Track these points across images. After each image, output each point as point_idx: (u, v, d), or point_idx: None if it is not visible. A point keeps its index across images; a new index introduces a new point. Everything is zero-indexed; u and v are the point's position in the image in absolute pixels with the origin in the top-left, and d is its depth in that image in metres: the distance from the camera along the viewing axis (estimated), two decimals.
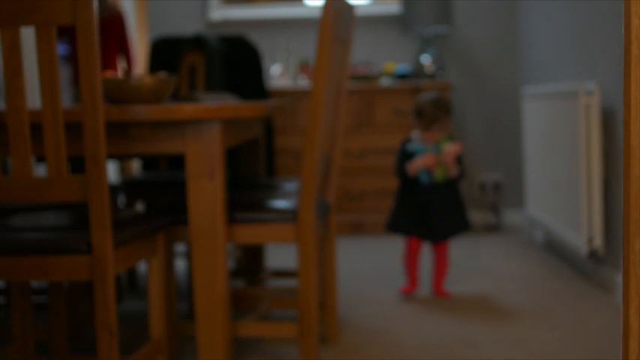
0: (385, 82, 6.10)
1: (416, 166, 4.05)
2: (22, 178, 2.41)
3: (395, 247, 5.48)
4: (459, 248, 5.30)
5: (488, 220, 6.25)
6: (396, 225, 4.18)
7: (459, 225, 4.19)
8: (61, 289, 3.02)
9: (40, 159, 3.27)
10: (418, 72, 6.16)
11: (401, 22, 6.41)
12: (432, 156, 4.05)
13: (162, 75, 2.83)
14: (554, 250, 5.13)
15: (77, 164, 2.48)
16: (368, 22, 6.46)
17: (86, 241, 2.41)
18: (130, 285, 4.41)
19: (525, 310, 3.82)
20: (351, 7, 3.26)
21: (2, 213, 3.08)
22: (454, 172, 4.09)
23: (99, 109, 2.34)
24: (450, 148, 4.02)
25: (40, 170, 4.38)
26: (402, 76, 6.10)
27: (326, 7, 2.86)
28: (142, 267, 4.83)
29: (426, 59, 6.18)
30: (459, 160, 4.11)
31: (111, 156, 2.62)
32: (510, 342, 3.37)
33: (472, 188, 6.44)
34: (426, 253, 4.95)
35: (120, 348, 2.49)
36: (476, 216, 6.37)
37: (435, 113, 4.06)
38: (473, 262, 4.95)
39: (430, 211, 4.11)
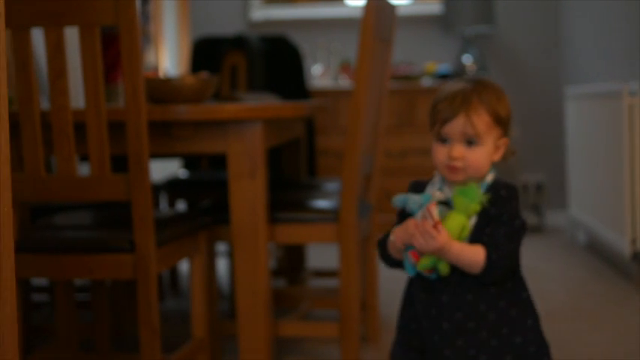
0: (426, 82, 6.08)
1: (393, 245, 1.98)
2: (66, 177, 2.44)
3: None
4: None
5: (530, 221, 6.21)
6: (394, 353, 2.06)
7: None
8: (104, 287, 3.04)
9: (84, 158, 3.29)
10: (459, 72, 6.13)
11: (442, 22, 6.39)
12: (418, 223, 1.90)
13: (204, 75, 2.84)
14: (597, 251, 5.08)
15: (120, 163, 2.50)
16: (409, 22, 6.44)
17: (129, 239, 2.43)
18: (172, 284, 4.43)
19: (566, 312, 3.79)
20: (392, 7, 3.25)
21: (45, 211, 3.11)
22: (461, 259, 1.87)
23: (142, 109, 2.36)
24: (427, 217, 1.88)
25: (84, 169, 4.41)
26: (444, 76, 6.08)
27: (367, 7, 2.86)
28: (183, 266, 4.85)
29: (467, 59, 6.16)
30: (489, 227, 1.88)
31: (153, 155, 2.63)
32: (550, 343, 3.34)
33: None
34: None
35: (162, 346, 2.50)
36: None
37: (451, 108, 1.91)
38: None
39: (441, 333, 1.93)
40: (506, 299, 1.92)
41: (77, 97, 2.84)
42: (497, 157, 1.94)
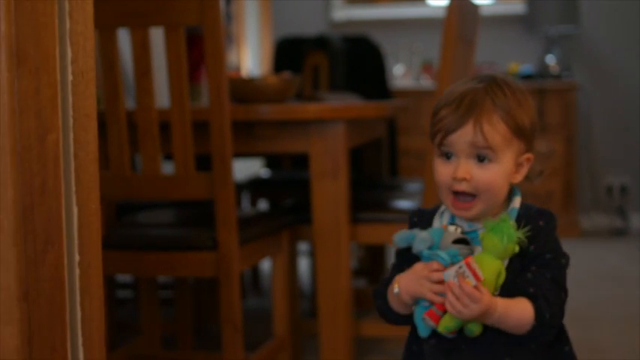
0: None
1: (397, 299, 1.52)
2: (151, 176, 2.47)
3: None
4: (584, 252, 5.19)
5: (614, 223, 6.12)
6: None
7: None
8: (187, 284, 3.08)
9: (168, 157, 3.33)
10: (543, 72, 6.06)
11: (525, 22, 6.33)
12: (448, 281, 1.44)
13: (286, 75, 2.85)
14: None
15: (204, 162, 2.53)
16: (492, 22, 6.38)
17: (212, 237, 2.45)
18: (254, 283, 4.46)
19: None
20: (475, 7, 3.23)
21: (129, 209, 3.15)
22: (506, 321, 1.43)
23: (225, 109, 2.38)
24: (466, 275, 1.40)
25: (168, 168, 4.47)
26: (527, 77, 6.02)
27: (450, 7, 2.84)
28: (264, 265, 4.88)
29: (550, 59, 6.09)
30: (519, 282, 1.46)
31: (236, 154, 2.66)
32: (636, 348, 3.29)
33: (598, 191, 6.30)
34: None
35: (244, 344, 2.52)
36: (602, 220, 6.24)
37: (456, 114, 1.49)
38: (598, 266, 4.84)
39: None
40: (546, 357, 1.50)
41: (161, 97, 2.88)
42: (518, 177, 1.51)
